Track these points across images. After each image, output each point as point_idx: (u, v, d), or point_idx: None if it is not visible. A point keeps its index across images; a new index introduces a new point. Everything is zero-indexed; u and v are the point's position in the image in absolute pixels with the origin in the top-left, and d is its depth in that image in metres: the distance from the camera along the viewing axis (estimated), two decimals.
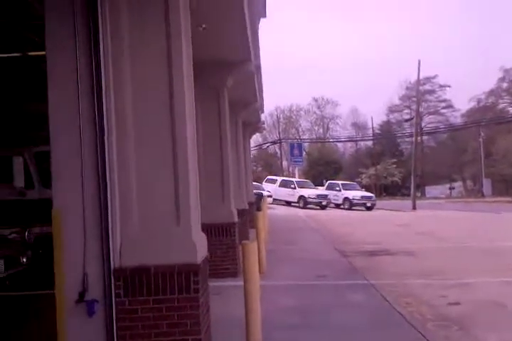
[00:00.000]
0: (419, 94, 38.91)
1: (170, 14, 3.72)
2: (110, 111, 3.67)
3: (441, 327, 4.98)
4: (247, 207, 11.96)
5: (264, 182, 33.23)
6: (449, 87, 53.81)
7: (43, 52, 4.07)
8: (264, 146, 56.77)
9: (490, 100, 57.68)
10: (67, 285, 3.54)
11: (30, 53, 7.28)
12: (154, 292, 3.59)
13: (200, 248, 3.75)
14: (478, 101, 57.37)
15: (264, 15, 12.14)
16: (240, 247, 7.78)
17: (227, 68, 7.79)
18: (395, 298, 6.16)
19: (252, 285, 3.87)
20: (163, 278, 3.61)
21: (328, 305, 5.79)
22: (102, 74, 3.65)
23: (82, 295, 3.52)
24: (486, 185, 51.16)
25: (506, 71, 55.73)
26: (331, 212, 26.92)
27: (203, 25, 5.85)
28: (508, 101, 57.98)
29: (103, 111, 3.64)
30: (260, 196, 19.71)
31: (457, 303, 5.93)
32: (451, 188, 55.89)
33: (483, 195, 48.06)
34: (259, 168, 58.10)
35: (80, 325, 3.50)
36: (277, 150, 61.28)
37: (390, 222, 19.82)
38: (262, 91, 12.99)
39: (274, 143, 56.50)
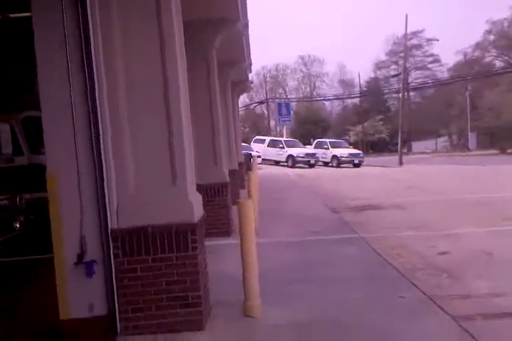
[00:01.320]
0: (407, 49, 38.39)
1: None
2: (101, 75, 3.61)
3: (432, 276, 5.16)
4: (237, 167, 12.01)
5: (252, 143, 33.20)
6: (436, 40, 53.14)
7: (26, 14, 3.92)
8: (252, 106, 56.32)
9: (476, 53, 57.26)
10: (66, 247, 3.59)
11: (11, 15, 6.99)
12: (153, 251, 3.67)
13: (196, 207, 3.80)
14: (465, 54, 56.97)
15: None
16: (233, 206, 7.86)
17: (215, 27, 7.61)
18: (385, 249, 6.33)
19: (248, 241, 3.95)
20: (161, 238, 3.67)
21: (322, 259, 5.96)
22: (92, 42, 3.56)
23: (81, 257, 3.58)
24: (472, 138, 51.71)
25: (493, 23, 55.01)
26: (319, 170, 27.14)
27: None
28: (495, 54, 57.57)
29: (94, 75, 3.58)
30: (249, 156, 19.76)
31: (446, 253, 6.13)
32: (448, 140, 56.10)
33: (468, 149, 48.66)
34: (247, 129, 57.84)
35: (80, 286, 3.58)
36: (264, 110, 60.86)
37: (378, 177, 20.10)
38: (249, 51, 12.73)
39: (261, 103, 56.02)
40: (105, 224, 3.64)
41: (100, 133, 3.61)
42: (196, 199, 3.94)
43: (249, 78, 19.35)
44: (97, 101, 3.60)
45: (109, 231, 3.63)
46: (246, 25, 9.99)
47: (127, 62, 3.67)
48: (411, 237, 7.20)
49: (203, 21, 7.41)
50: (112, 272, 3.59)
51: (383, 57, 62.38)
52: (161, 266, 3.66)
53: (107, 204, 3.64)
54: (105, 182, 3.63)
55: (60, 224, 3.59)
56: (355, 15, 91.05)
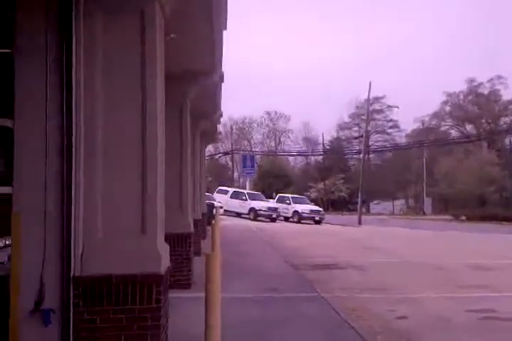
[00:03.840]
0: (369, 114, 40.29)
1: (146, 26, 3.74)
2: (79, 116, 3.62)
3: (390, 340, 5.15)
4: (200, 217, 11.90)
5: (215, 193, 33.12)
6: (397, 107, 55.92)
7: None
8: (216, 156, 56.76)
9: (433, 122, 60.65)
10: (23, 293, 3.41)
11: None
12: (115, 302, 3.52)
13: (164, 258, 3.73)
14: (423, 122, 60.21)
15: (225, 28, 12.33)
16: (196, 258, 7.69)
17: (191, 78, 7.81)
18: (346, 311, 6.30)
19: (214, 297, 3.84)
20: (124, 288, 3.54)
21: (283, 318, 5.85)
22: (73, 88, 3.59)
23: (38, 305, 3.40)
24: (427, 203, 53.45)
25: (449, 95, 58.92)
26: (280, 225, 27.17)
27: (172, 35, 5.84)
28: (451, 124, 61.18)
29: (72, 114, 3.58)
30: (212, 207, 19.64)
31: (405, 317, 6.15)
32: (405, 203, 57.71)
33: (424, 213, 50.14)
34: (210, 178, 57.87)
35: (34, 335, 3.37)
36: (228, 161, 61.40)
37: (338, 236, 20.27)
38: (220, 102, 13.07)
39: (226, 153, 56.62)
40: (67, 270, 3.50)
41: (73, 175, 3.56)
42: (164, 250, 3.87)
43: (218, 129, 19.70)
44: (73, 143, 3.57)
45: (71, 278, 3.49)
46: (221, 78, 10.32)
47: (107, 104, 3.69)
48: (370, 299, 7.22)
49: (179, 72, 7.59)
50: (69, 322, 3.41)
51: (346, 119, 65.09)
52: (121, 319, 3.50)
53: (72, 250, 3.52)
54: (72, 227, 3.54)
55: (20, 268, 3.44)
56: (321, 78, 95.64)
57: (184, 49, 6.86)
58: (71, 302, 3.45)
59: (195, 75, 7.95)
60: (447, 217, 40.48)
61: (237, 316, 5.79)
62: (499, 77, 55.19)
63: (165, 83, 4.60)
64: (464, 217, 38.81)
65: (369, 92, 33.97)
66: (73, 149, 3.57)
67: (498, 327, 5.81)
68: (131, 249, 3.59)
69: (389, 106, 60.82)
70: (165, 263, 3.79)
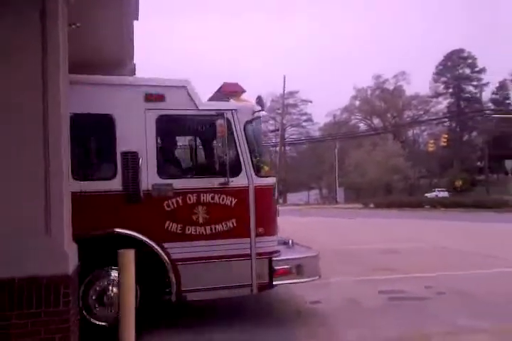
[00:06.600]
0: (284, 107, 41.21)
1: (47, 13, 3.53)
2: None
3: (304, 325, 5.32)
4: None
5: None
6: (310, 102, 57.95)
7: None
8: None
9: (344, 116, 63.53)
10: None
11: None
12: (17, 306, 3.31)
13: (71, 258, 3.55)
14: (334, 116, 62.85)
15: (137, 18, 11.93)
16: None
17: (100, 69, 7.47)
18: (258, 297, 6.39)
19: (127, 296, 3.71)
20: (28, 291, 3.35)
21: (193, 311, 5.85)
22: None
23: None
24: (340, 192, 56.00)
25: (358, 90, 61.97)
26: None
27: (77, 24, 5.54)
28: (359, 117, 64.46)
29: None
30: None
31: (318, 302, 6.39)
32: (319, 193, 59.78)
33: (337, 202, 52.48)
34: None
35: None
36: None
37: None
38: None
39: None
40: None
41: None
42: (72, 250, 3.69)
43: None
44: None
45: None
46: (132, 71, 9.98)
47: (5, 91, 3.44)
48: (284, 286, 7.36)
49: (88, 62, 7.25)
50: None
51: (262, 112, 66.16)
52: (27, 324, 3.31)
53: None
54: None
55: None
56: (237, 67, 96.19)
57: (92, 39, 6.54)
58: None
59: (105, 66, 7.62)
60: (358, 205, 42.68)
61: None
62: (403, 73, 58.95)
63: (72, 73, 4.37)
64: (372, 205, 41.18)
65: (284, 86, 34.90)
66: None
67: (404, 305, 6.22)
68: (35, 249, 3.39)
69: (303, 101, 62.78)
70: (73, 262, 3.61)
